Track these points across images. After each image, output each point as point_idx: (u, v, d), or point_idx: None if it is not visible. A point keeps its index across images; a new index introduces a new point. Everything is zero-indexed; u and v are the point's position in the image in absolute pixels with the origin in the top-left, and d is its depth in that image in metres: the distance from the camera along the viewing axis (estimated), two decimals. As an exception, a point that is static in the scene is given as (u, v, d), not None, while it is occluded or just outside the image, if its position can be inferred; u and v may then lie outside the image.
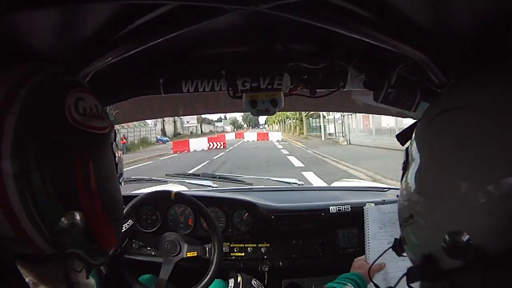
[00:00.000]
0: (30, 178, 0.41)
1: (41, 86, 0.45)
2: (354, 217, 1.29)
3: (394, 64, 0.76)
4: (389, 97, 0.80)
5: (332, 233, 1.30)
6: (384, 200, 1.34)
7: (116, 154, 0.54)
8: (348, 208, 1.30)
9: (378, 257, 0.77)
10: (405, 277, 0.49)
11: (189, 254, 1.11)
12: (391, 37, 0.60)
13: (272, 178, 1.99)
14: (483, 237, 0.41)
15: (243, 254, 1.30)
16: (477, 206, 0.41)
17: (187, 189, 1.73)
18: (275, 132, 34.83)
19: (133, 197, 1.16)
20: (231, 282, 1.14)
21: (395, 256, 0.64)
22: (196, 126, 49.39)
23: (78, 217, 0.44)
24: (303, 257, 1.30)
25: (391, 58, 0.75)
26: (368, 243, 1.03)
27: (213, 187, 1.68)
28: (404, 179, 0.53)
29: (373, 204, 1.10)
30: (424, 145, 0.48)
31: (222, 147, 19.32)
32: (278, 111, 0.88)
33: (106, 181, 0.50)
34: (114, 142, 0.54)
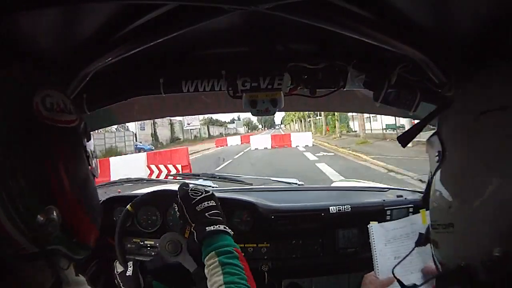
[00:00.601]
0: (4, 176, 0.42)
1: (10, 88, 0.46)
2: (354, 217, 1.29)
3: (394, 64, 0.76)
4: (389, 97, 0.80)
5: (332, 233, 1.30)
6: (384, 200, 1.35)
7: (87, 147, 0.55)
8: (348, 208, 1.30)
9: (399, 263, 0.76)
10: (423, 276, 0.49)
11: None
12: (391, 37, 0.60)
13: (272, 178, 1.99)
14: None
15: (243, 254, 1.29)
16: None
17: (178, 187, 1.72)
18: (300, 133, 23.95)
19: (133, 197, 1.15)
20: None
21: (405, 269, 0.65)
22: (200, 129, 43.11)
23: (53, 212, 0.45)
24: (303, 257, 1.30)
25: (391, 58, 0.75)
26: (376, 259, 1.05)
27: (213, 187, 1.68)
28: (437, 175, 0.50)
29: (376, 223, 1.13)
30: (465, 145, 0.46)
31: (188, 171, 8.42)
32: (278, 111, 0.88)
33: (78, 172, 0.51)
34: (85, 136, 0.55)
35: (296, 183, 1.82)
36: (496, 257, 0.40)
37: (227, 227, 0.85)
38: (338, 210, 1.30)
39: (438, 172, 0.50)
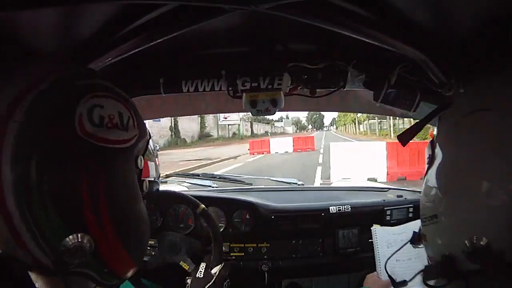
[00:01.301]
0: (30, 193, 0.38)
1: (49, 92, 0.40)
2: (354, 217, 1.29)
3: (394, 64, 0.76)
4: (389, 97, 0.80)
5: (332, 233, 1.30)
6: (384, 200, 1.35)
7: (150, 163, 0.48)
8: (348, 208, 1.30)
9: (388, 258, 0.80)
10: (419, 275, 0.51)
11: (182, 265, 1.09)
12: (391, 37, 0.60)
13: (272, 178, 1.99)
14: (504, 243, 0.41)
15: (243, 254, 1.29)
16: (502, 210, 0.41)
17: (187, 189, 1.73)
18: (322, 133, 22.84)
19: None
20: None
21: (405, 267, 0.66)
22: (240, 125, 32.18)
23: (84, 239, 0.40)
24: (303, 257, 1.30)
25: (391, 58, 0.75)
26: (379, 260, 1.09)
27: (213, 187, 1.68)
28: (429, 173, 0.53)
29: (379, 226, 1.17)
30: (452, 142, 0.49)
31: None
32: (278, 111, 0.88)
33: (122, 203, 0.44)
34: (142, 156, 0.47)
35: (296, 183, 1.82)
36: (476, 246, 0.42)
37: None
38: (338, 210, 1.30)
39: (429, 171, 0.53)
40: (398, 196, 1.40)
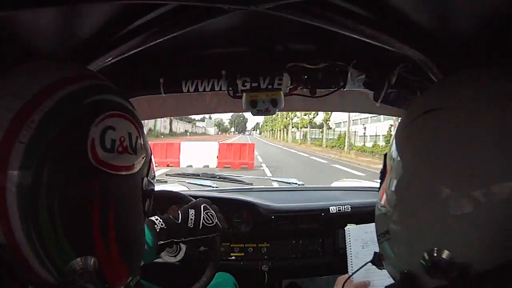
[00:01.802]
0: (38, 216, 0.36)
1: (59, 110, 0.37)
2: (354, 217, 1.29)
3: (394, 64, 0.76)
4: (389, 97, 0.80)
5: (332, 233, 1.30)
6: None
7: (148, 190, 0.47)
8: (348, 208, 1.30)
9: (354, 272, 0.78)
10: None
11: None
12: (391, 37, 0.60)
13: (272, 178, 1.99)
14: (468, 253, 0.37)
15: (243, 254, 1.29)
16: (460, 217, 0.37)
17: (187, 189, 1.73)
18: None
19: None
20: None
21: (380, 272, 0.62)
22: (156, 121, 27.92)
23: (91, 262, 0.39)
24: (303, 257, 1.30)
25: (391, 58, 0.75)
26: (351, 262, 1.03)
27: (213, 187, 1.68)
28: (380, 189, 0.49)
29: (354, 225, 1.11)
30: (401, 149, 0.45)
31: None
32: (278, 111, 0.88)
33: (127, 224, 0.44)
34: (146, 178, 0.47)
35: (296, 183, 1.82)
36: (436, 259, 0.38)
37: None
38: (338, 210, 1.30)
39: (381, 186, 0.49)
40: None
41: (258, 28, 0.73)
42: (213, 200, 1.32)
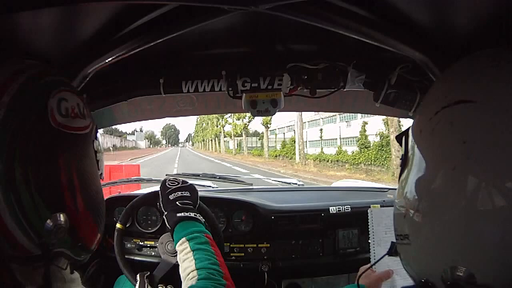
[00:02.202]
0: (15, 184, 0.42)
1: (24, 90, 0.44)
2: (354, 217, 1.29)
3: (394, 64, 0.76)
4: (389, 97, 0.80)
5: (332, 233, 1.30)
6: (384, 201, 1.34)
7: (97, 151, 0.54)
8: (348, 209, 1.30)
9: (375, 263, 0.73)
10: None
11: None
12: (391, 37, 0.60)
13: (271, 178, 1.99)
14: (491, 274, 0.35)
15: (243, 254, 1.29)
16: (490, 233, 0.34)
17: None
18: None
19: (133, 197, 1.16)
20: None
21: (399, 267, 0.58)
22: None
23: (62, 218, 0.45)
24: (303, 257, 1.30)
25: (391, 58, 0.75)
26: (374, 250, 0.94)
27: (213, 187, 1.67)
28: (401, 178, 0.46)
29: (378, 206, 1.01)
30: (424, 146, 0.41)
31: None
32: (278, 111, 0.88)
33: (88, 179, 0.50)
34: (96, 140, 0.54)
35: (296, 183, 1.82)
36: (457, 276, 0.35)
37: (198, 215, 0.85)
38: (338, 210, 1.30)
39: (402, 176, 0.46)
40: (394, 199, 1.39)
41: (258, 28, 0.73)
42: (213, 200, 1.33)
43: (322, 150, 18.10)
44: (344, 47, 0.78)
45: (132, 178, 1.77)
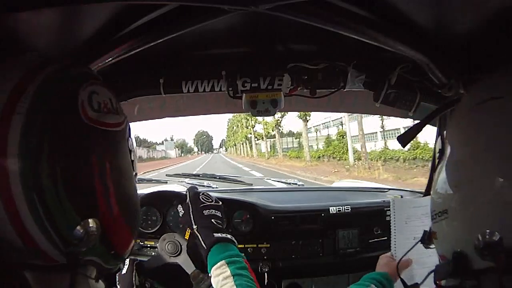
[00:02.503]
0: (41, 184, 0.37)
1: (51, 81, 0.40)
2: (354, 217, 1.29)
3: (394, 65, 0.76)
4: (389, 97, 0.80)
5: (332, 233, 1.30)
6: (383, 201, 1.34)
7: (132, 151, 0.50)
8: (348, 209, 1.30)
9: (406, 253, 0.74)
10: (432, 274, 0.48)
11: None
12: (391, 37, 0.60)
13: (271, 179, 1.99)
14: None
15: (243, 254, 1.29)
16: None
17: (186, 189, 1.72)
18: None
19: None
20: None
21: (422, 252, 0.62)
22: None
23: (94, 224, 0.40)
24: (303, 257, 1.30)
25: (391, 58, 0.75)
26: (395, 238, 0.97)
27: (213, 187, 1.67)
28: (438, 169, 0.51)
29: (399, 196, 1.05)
30: (463, 135, 0.47)
31: None
32: (278, 111, 0.88)
33: (123, 181, 0.46)
34: (130, 138, 0.50)
35: (296, 183, 1.82)
36: (488, 241, 0.40)
37: (233, 237, 0.81)
38: (338, 210, 1.30)
39: (439, 167, 0.51)
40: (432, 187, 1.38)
41: (258, 28, 0.73)
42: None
43: (386, 144, 13.27)
44: (344, 47, 0.78)
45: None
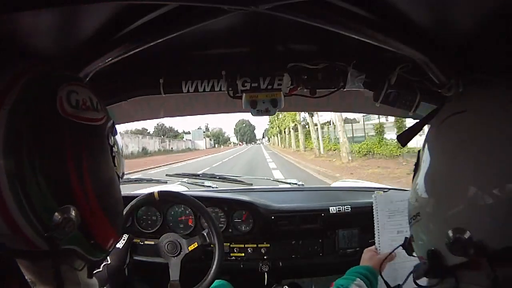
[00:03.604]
0: (23, 173, 0.41)
1: (33, 82, 0.44)
2: (354, 217, 1.29)
3: (394, 64, 0.76)
4: (389, 97, 0.80)
5: (332, 233, 1.30)
6: None
7: (114, 147, 0.53)
8: (348, 209, 1.30)
9: (389, 253, 0.80)
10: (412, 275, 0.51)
11: (190, 248, 1.10)
12: (391, 37, 0.60)
13: (272, 179, 1.99)
14: (485, 234, 0.43)
15: (243, 254, 1.30)
16: (480, 206, 0.43)
17: (187, 189, 1.73)
18: None
19: (133, 197, 1.16)
20: None
21: (404, 256, 0.64)
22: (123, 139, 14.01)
23: (72, 212, 0.43)
24: (303, 257, 1.30)
25: (391, 58, 0.75)
26: (378, 233, 1.00)
27: (213, 187, 1.68)
28: (414, 180, 0.54)
29: (381, 192, 1.06)
30: (433, 148, 0.51)
31: None
32: (278, 111, 0.88)
33: (101, 173, 0.49)
34: (111, 135, 0.53)
35: (296, 183, 1.82)
36: (457, 237, 0.44)
37: None
38: (338, 210, 1.30)
39: (415, 177, 0.55)
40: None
41: (258, 28, 0.73)
42: (213, 200, 1.33)
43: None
44: (344, 47, 0.78)
45: (132, 178, 1.77)
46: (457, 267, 0.46)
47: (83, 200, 0.45)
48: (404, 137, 0.65)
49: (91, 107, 0.48)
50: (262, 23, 0.69)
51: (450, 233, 0.44)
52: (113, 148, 0.52)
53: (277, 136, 39.71)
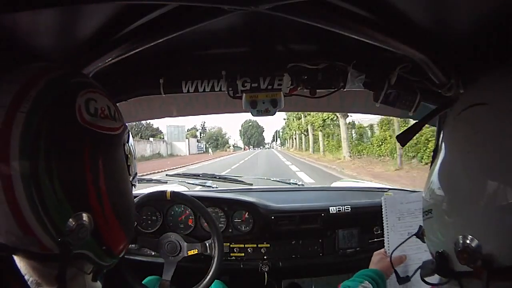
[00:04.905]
0: (38, 178, 0.41)
1: (52, 87, 0.44)
2: (354, 217, 1.29)
3: (394, 64, 0.76)
4: (389, 97, 0.80)
5: (332, 233, 1.30)
6: None
7: (129, 156, 0.53)
8: (348, 209, 1.30)
9: (397, 247, 0.76)
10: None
11: (190, 253, 1.11)
12: (391, 37, 0.60)
13: (272, 179, 1.99)
14: (494, 247, 0.40)
15: (243, 254, 1.29)
16: (497, 213, 0.40)
17: (187, 189, 1.73)
18: None
19: (133, 197, 1.15)
20: None
21: (417, 248, 0.63)
22: None
23: (86, 218, 0.44)
24: (303, 257, 1.30)
25: (391, 58, 0.75)
26: (388, 235, 0.98)
27: (213, 187, 1.68)
28: (432, 166, 0.52)
29: (391, 194, 1.06)
30: (450, 139, 0.48)
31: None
32: (278, 111, 0.88)
33: (116, 182, 0.49)
34: (127, 144, 0.53)
35: (296, 183, 1.82)
36: (466, 245, 0.41)
37: None
38: (338, 210, 1.30)
39: (432, 166, 0.52)
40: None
41: (258, 28, 0.73)
42: (213, 200, 1.33)
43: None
44: (344, 47, 0.78)
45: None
46: (462, 274, 0.44)
47: (98, 208, 0.45)
48: (404, 137, 0.65)
49: (109, 116, 0.48)
50: (262, 23, 0.69)
51: (460, 239, 0.42)
52: (128, 156, 0.53)
53: (292, 139, 31.00)
